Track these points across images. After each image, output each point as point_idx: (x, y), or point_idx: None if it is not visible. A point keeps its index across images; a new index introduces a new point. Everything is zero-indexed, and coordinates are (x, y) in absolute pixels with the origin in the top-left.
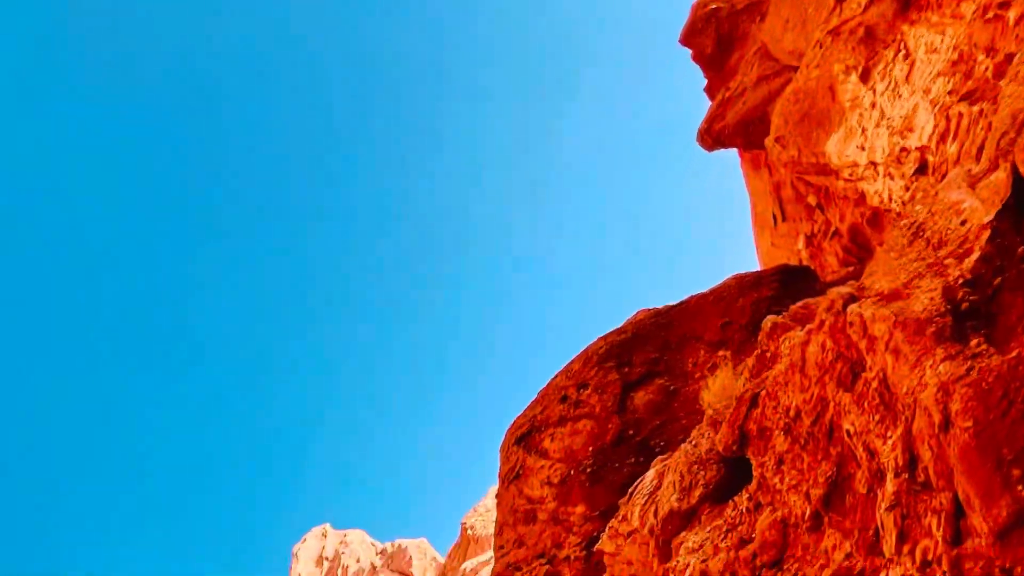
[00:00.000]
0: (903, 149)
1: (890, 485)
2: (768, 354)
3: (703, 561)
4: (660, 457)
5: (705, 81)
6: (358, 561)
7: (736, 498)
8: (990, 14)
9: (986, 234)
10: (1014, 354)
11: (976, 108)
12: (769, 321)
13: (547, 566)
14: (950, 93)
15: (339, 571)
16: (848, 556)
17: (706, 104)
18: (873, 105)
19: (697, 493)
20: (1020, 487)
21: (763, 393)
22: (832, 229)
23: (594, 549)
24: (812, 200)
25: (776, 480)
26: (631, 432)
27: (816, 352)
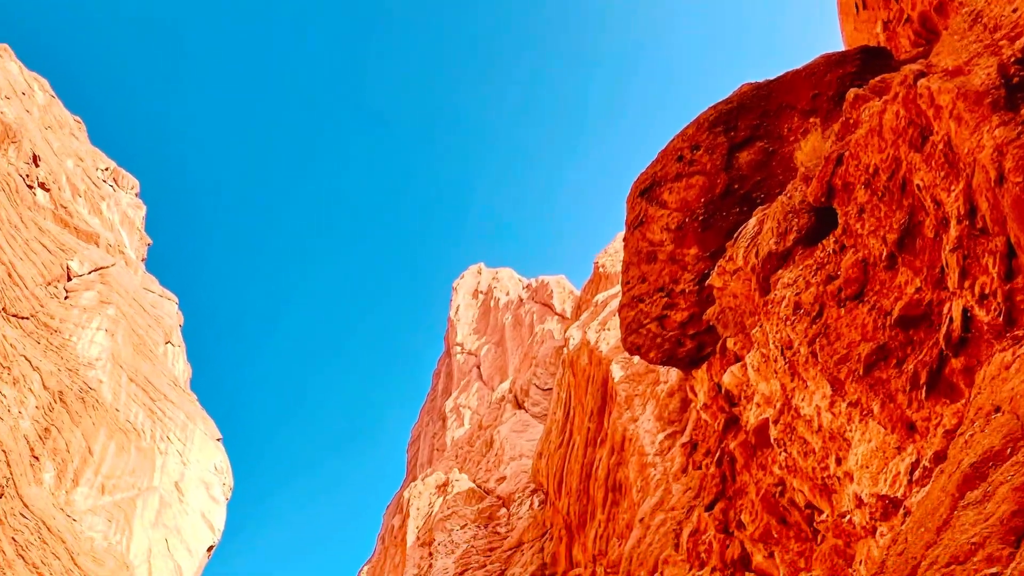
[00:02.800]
0: None
1: (953, 230)
2: (851, 121)
3: (796, 294)
4: (760, 207)
5: None
6: (507, 294)
7: (824, 241)
8: None
9: None
10: None
11: None
12: (852, 92)
13: (665, 298)
14: None
15: (491, 303)
16: (918, 290)
17: None
18: None
19: (791, 237)
20: None
21: (847, 153)
22: (905, 16)
23: (705, 284)
24: None
25: (858, 226)
26: (736, 186)
27: (891, 119)
